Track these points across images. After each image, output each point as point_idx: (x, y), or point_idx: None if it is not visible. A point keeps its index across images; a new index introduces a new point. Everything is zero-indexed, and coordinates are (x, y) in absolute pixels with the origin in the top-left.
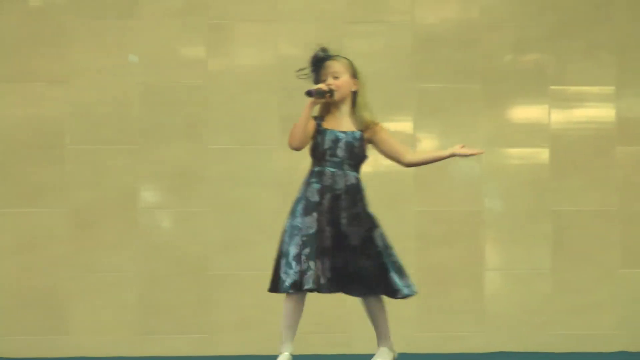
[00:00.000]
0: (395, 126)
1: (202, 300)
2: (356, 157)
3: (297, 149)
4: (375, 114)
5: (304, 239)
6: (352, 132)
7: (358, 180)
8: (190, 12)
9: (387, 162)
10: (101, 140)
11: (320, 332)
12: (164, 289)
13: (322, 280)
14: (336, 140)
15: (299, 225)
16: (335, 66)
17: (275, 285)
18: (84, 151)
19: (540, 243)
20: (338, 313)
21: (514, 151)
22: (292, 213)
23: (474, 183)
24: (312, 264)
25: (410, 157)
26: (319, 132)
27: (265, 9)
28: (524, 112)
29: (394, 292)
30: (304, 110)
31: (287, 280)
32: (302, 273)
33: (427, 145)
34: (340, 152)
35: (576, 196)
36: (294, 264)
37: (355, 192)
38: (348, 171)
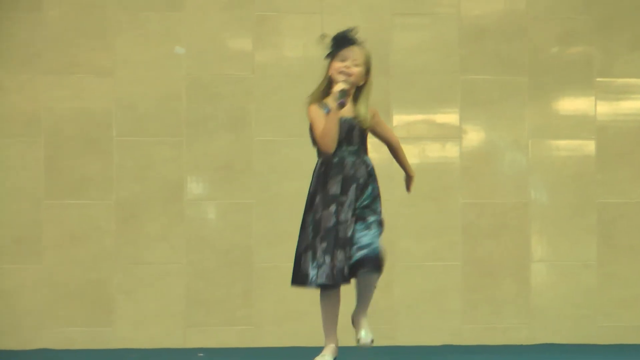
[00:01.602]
0: (442, 118)
1: (247, 292)
2: (365, 142)
3: (332, 153)
4: (422, 106)
5: (322, 233)
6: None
7: (372, 163)
8: (236, 4)
9: (434, 154)
10: (147, 133)
11: None
12: (209, 281)
13: (345, 272)
14: (351, 129)
15: (320, 218)
16: (358, 54)
17: (299, 279)
18: (130, 143)
19: (587, 235)
20: (383, 305)
21: (560, 143)
22: (312, 207)
23: (520, 175)
24: (327, 258)
25: (395, 146)
26: None
27: (311, 0)
28: (570, 104)
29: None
30: (334, 116)
31: (313, 274)
32: (318, 268)
33: (473, 137)
34: (355, 140)
35: (622, 188)
36: (320, 258)
37: (373, 175)
38: (364, 157)
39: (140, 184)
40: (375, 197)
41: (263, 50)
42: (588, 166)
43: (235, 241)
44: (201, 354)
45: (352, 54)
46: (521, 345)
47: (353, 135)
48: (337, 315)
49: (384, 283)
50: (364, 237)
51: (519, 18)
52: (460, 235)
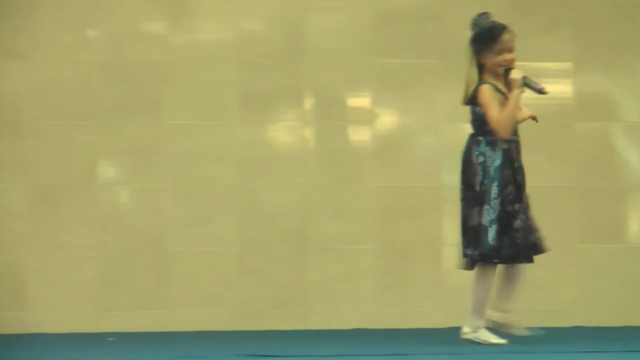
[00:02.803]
0: (355, 102)
1: (160, 276)
2: None
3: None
4: (335, 90)
5: None
6: None
7: None
8: None
9: (347, 138)
10: (61, 116)
11: (279, 308)
12: (123, 265)
13: None
14: None
15: None
16: (513, 40)
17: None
18: (44, 127)
19: None
20: (296, 288)
21: None
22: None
23: (434, 159)
24: None
25: None
26: None
27: None
28: None
29: None
30: (517, 101)
31: None
32: None
33: (386, 121)
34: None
35: (535, 171)
36: None
37: None
38: None
39: (53, 167)
40: None
41: (177, 33)
42: None
43: (149, 225)
44: (111, 339)
45: (509, 43)
46: (436, 329)
47: None
48: None
49: (297, 266)
50: None
51: (433, 1)
52: (374, 219)
